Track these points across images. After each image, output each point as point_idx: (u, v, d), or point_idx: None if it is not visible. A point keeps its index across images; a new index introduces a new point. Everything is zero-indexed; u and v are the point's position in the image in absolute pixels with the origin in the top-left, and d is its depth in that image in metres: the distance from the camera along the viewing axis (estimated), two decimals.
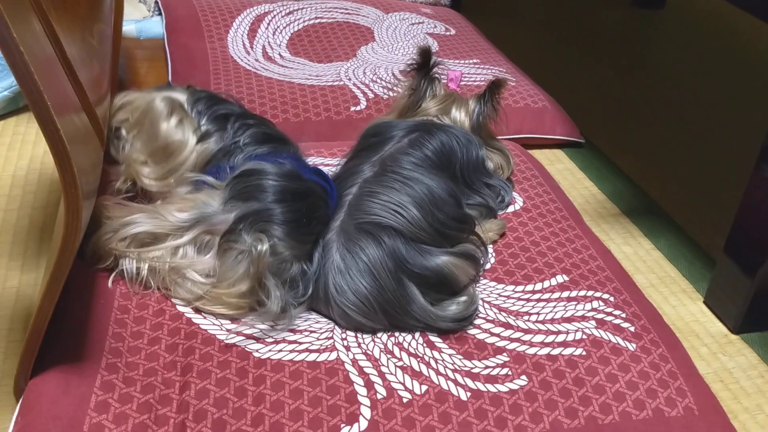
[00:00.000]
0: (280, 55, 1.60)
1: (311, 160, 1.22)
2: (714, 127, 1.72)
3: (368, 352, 0.86)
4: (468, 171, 1.10)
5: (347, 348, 0.86)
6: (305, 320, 0.90)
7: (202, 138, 0.98)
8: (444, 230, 0.96)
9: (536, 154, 1.48)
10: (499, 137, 1.38)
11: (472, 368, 0.85)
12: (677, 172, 1.50)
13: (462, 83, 1.53)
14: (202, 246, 0.86)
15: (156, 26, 1.75)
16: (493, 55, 1.71)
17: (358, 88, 1.48)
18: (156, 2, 1.80)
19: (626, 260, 1.20)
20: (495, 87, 1.17)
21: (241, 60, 1.56)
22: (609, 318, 0.94)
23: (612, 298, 0.98)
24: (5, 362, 0.91)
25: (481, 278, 0.99)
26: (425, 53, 1.17)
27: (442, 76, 1.25)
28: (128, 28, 1.77)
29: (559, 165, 1.46)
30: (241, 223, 0.84)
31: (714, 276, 1.11)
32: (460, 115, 1.18)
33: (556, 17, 2.27)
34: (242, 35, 1.65)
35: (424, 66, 1.18)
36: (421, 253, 0.91)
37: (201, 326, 0.86)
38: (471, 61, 1.65)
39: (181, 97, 1.02)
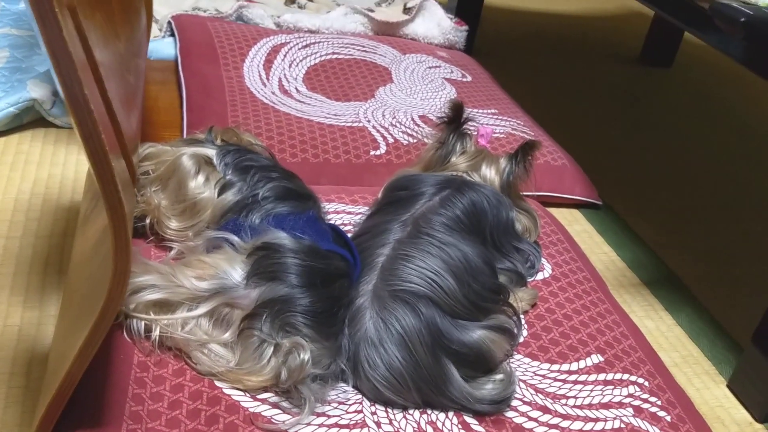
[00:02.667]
0: (296, 89, 1.56)
1: (332, 207, 1.18)
2: (733, 194, 1.71)
3: (400, 431, 0.81)
4: (498, 233, 1.07)
5: (378, 424, 0.81)
6: (332, 389, 0.85)
7: (222, 189, 0.93)
8: (479, 302, 0.91)
9: (554, 212, 1.45)
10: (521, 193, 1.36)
11: None
12: (695, 243, 1.48)
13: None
14: (219, 319, 0.81)
15: (167, 47, 1.69)
16: (510, 106, 1.69)
17: (378, 131, 1.44)
18: (169, 22, 1.75)
19: (649, 335, 1.17)
20: (528, 148, 1.14)
21: (258, 92, 1.51)
22: (645, 405, 0.91)
23: (647, 383, 0.95)
24: (6, 411, 0.84)
25: (515, 353, 0.95)
26: (457, 108, 1.14)
27: (473, 131, 1.22)
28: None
29: (577, 226, 1.44)
30: (266, 310, 0.79)
31: (740, 363, 1.08)
32: (490, 173, 1.15)
33: (565, 70, 2.27)
34: (258, 65, 1.60)
35: (454, 120, 1.15)
36: (458, 328, 0.86)
37: (224, 390, 0.80)
38: (489, 111, 1.62)
39: (209, 152, 0.97)
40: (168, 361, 0.82)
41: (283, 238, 0.85)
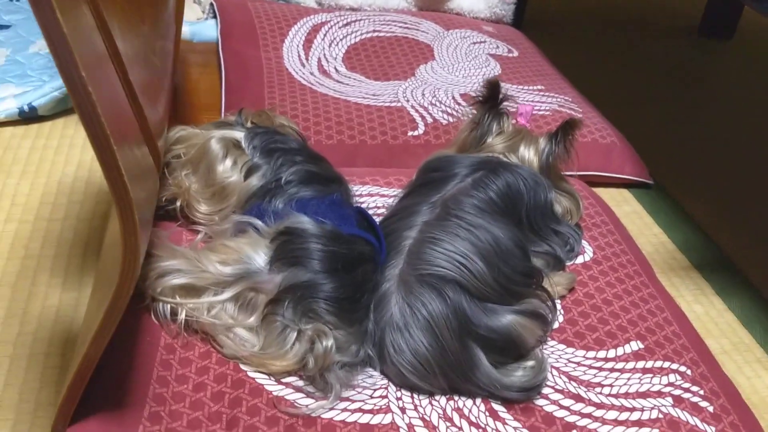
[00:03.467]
0: (335, 69, 1.54)
1: (366, 189, 1.16)
2: None
3: (425, 417, 0.79)
4: (535, 216, 1.03)
5: (402, 410, 0.80)
6: (359, 374, 0.83)
7: (248, 173, 0.92)
8: (510, 286, 0.88)
9: (601, 192, 1.40)
10: (564, 173, 1.31)
11: None
12: (751, 226, 1.41)
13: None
14: (245, 303, 0.80)
15: (210, 30, 1.70)
16: (558, 82, 1.63)
17: (417, 111, 1.41)
18: (211, 4, 1.75)
19: (697, 321, 1.11)
20: (569, 127, 1.09)
21: (296, 73, 1.50)
22: (687, 395, 0.86)
23: (689, 372, 0.90)
24: (41, 391, 0.86)
25: (549, 339, 0.92)
26: (493, 86, 1.10)
27: (513, 110, 1.18)
28: (182, 30, 1.72)
29: (626, 207, 1.38)
30: (288, 295, 0.78)
31: None
32: (528, 154, 1.11)
33: (619, 43, 2.18)
34: (298, 45, 1.59)
35: (490, 99, 1.11)
36: (486, 312, 0.84)
37: (248, 374, 0.80)
38: (535, 88, 1.57)
39: (238, 134, 0.96)
40: (195, 344, 0.82)
41: (305, 222, 0.84)
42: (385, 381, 0.83)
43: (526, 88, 1.56)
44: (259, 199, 0.92)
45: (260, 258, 0.82)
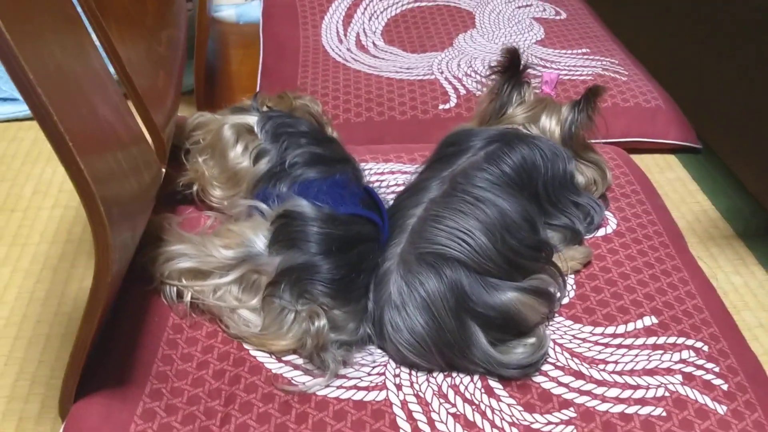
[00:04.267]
0: (373, 43, 1.54)
1: (388, 167, 1.16)
2: None
3: (420, 394, 0.80)
4: (553, 188, 1.00)
5: (398, 387, 0.81)
6: (359, 351, 0.85)
7: (256, 158, 0.95)
8: (516, 259, 0.87)
9: (645, 159, 1.35)
10: (603, 141, 1.26)
11: (532, 423, 0.77)
12: None
13: (566, 77, 1.41)
14: (249, 285, 0.83)
15: (255, 11, 1.73)
16: (606, 44, 1.56)
17: (450, 82, 1.39)
18: None
19: (734, 293, 1.06)
20: (592, 94, 1.05)
21: (333, 50, 1.51)
22: (699, 372, 0.83)
23: (706, 348, 0.86)
24: None
25: (556, 315, 0.90)
26: (512, 55, 1.07)
27: (537, 78, 1.15)
28: (228, 12, 1.77)
29: (669, 174, 1.32)
30: (285, 278, 0.80)
31: None
32: (550, 124, 1.08)
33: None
34: (337, 21, 1.60)
35: (510, 68, 1.08)
36: (487, 288, 0.83)
37: (250, 352, 0.83)
38: (579, 51, 1.51)
39: (251, 119, 0.99)
40: (203, 324, 0.86)
41: (303, 205, 0.86)
42: (385, 358, 0.85)
43: (569, 52, 1.51)
44: (265, 183, 0.95)
45: (261, 241, 0.84)
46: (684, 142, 1.36)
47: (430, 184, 0.94)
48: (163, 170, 0.90)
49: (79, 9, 0.76)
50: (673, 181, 1.30)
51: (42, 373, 0.92)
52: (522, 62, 1.08)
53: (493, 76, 1.10)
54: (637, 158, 1.31)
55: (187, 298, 0.85)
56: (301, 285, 0.81)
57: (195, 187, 1.01)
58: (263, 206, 0.90)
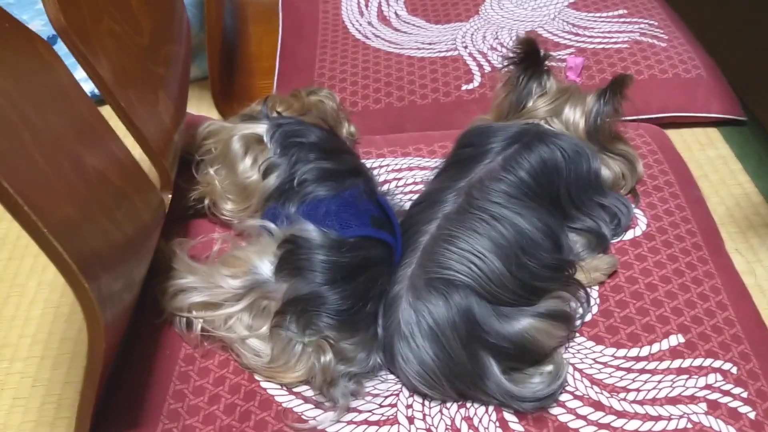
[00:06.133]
0: (396, 13, 1.47)
1: (406, 162, 1.12)
2: None
3: (432, 428, 0.79)
4: (576, 190, 0.95)
5: (410, 420, 0.80)
6: (371, 380, 0.84)
7: (265, 172, 0.92)
8: (533, 283, 0.84)
9: (684, 134, 1.27)
10: (638, 117, 1.19)
11: None
12: None
13: (600, 46, 1.32)
14: (259, 311, 0.82)
15: None
16: (646, 2, 1.45)
17: (474, 59, 1.32)
18: None
19: None
20: (618, 85, 0.98)
21: (353, 25, 1.44)
22: (725, 399, 0.79)
23: (735, 369, 0.82)
24: None
25: (578, 335, 0.86)
26: (529, 44, 1.00)
27: (562, 64, 1.08)
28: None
29: (711, 151, 1.24)
30: (291, 308, 0.78)
31: None
32: (574, 116, 1.01)
33: None
34: None
35: (527, 58, 1.01)
36: (499, 318, 0.80)
37: (261, 384, 0.83)
38: (615, 14, 1.41)
39: (260, 129, 0.96)
40: (215, 352, 0.86)
41: (310, 230, 0.83)
42: (398, 386, 0.83)
43: (603, 15, 1.41)
44: (275, 200, 0.92)
45: (267, 267, 0.83)
46: (727, 115, 1.27)
47: (446, 196, 0.90)
48: (168, 198, 0.88)
49: (61, 45, 0.73)
50: (714, 160, 1.22)
51: (68, 396, 0.94)
52: (541, 51, 1.01)
53: (509, 67, 1.03)
54: (675, 134, 1.24)
55: (198, 329, 0.85)
56: (306, 316, 0.80)
57: (206, 201, 1.00)
58: (272, 226, 0.89)
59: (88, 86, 0.78)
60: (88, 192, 0.66)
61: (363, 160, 1.10)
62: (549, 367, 0.81)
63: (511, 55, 1.01)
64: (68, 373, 0.97)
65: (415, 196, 1.00)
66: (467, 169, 0.93)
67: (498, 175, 0.90)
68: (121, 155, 0.75)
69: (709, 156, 1.23)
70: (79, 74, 0.75)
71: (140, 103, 0.82)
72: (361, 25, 1.44)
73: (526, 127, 0.99)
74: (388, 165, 1.12)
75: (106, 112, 0.80)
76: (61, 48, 0.73)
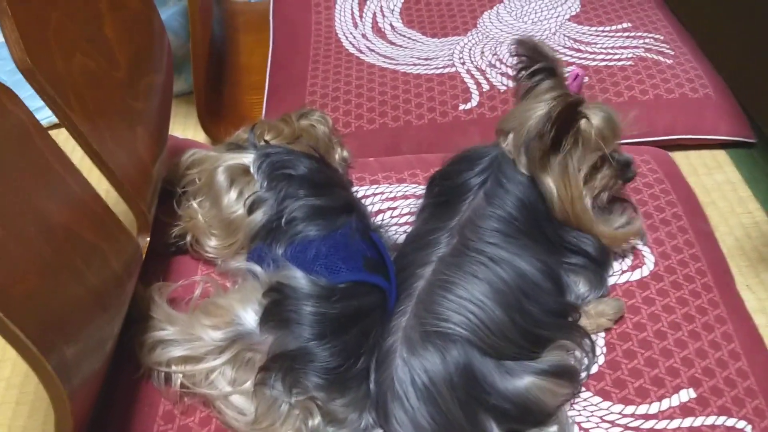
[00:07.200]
0: (391, 25, 1.41)
1: (401, 190, 1.07)
2: None
3: None
4: (554, 225, 0.87)
5: None
6: None
7: (251, 207, 0.87)
8: (536, 331, 0.79)
9: (691, 157, 1.22)
10: (642, 140, 1.14)
11: None
12: None
13: (603, 63, 1.27)
14: (243, 364, 0.77)
15: None
16: (651, 14, 1.40)
17: (472, 76, 1.27)
18: None
19: None
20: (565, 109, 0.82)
21: (347, 37, 1.38)
22: None
23: (749, 428, 0.77)
24: None
25: (583, 389, 0.81)
26: (534, 47, 0.88)
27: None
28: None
29: (718, 175, 1.19)
30: (276, 364, 0.73)
31: None
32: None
33: None
34: (352, 1, 1.46)
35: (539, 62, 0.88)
36: (501, 375, 0.75)
37: None
38: (619, 27, 1.36)
39: (246, 160, 0.90)
40: (196, 408, 0.81)
41: (298, 278, 0.78)
42: None
43: (606, 29, 1.35)
44: (261, 239, 0.87)
45: (250, 317, 0.78)
46: (736, 137, 1.22)
47: (438, 238, 0.85)
48: (146, 242, 0.83)
49: (25, 89, 0.67)
50: (722, 185, 1.17)
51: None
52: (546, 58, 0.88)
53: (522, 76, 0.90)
54: (680, 156, 1.19)
55: (177, 384, 0.79)
56: (293, 375, 0.75)
57: (189, 237, 0.94)
58: (257, 269, 0.84)
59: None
60: (55, 257, 0.60)
61: (356, 188, 1.06)
62: (553, 428, 0.76)
63: (520, 63, 0.90)
64: (45, 421, 0.92)
65: (410, 228, 0.95)
66: (453, 208, 0.87)
67: (485, 211, 0.85)
68: (90, 201, 0.69)
69: (716, 181, 1.18)
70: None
71: (116, 145, 0.77)
72: (355, 37, 1.38)
73: (488, 151, 0.90)
74: (382, 193, 1.06)
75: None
76: None
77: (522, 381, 0.75)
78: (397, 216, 1.03)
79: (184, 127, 1.33)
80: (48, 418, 0.92)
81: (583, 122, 0.84)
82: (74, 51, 0.74)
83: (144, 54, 0.86)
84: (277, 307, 0.77)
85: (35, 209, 0.61)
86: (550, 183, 0.84)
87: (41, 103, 0.68)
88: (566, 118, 0.81)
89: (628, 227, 0.93)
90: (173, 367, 0.79)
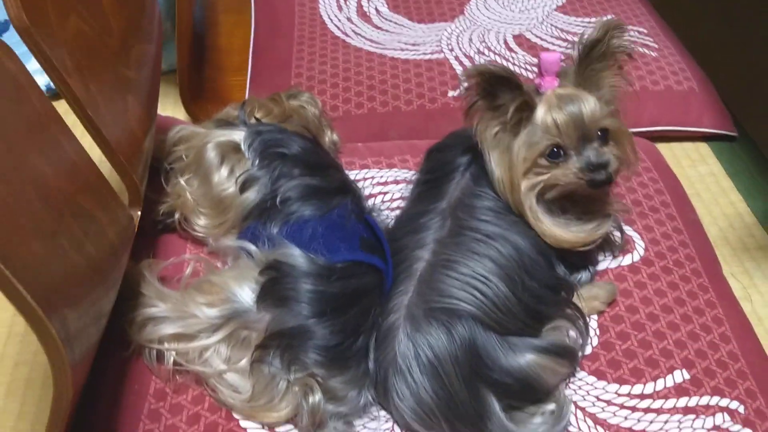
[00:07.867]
0: (376, 9, 1.40)
1: (392, 175, 1.06)
2: None
3: None
4: None
5: None
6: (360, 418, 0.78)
7: (243, 186, 0.85)
8: (536, 306, 0.79)
9: (674, 149, 1.23)
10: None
11: None
12: None
13: None
14: (238, 342, 0.75)
15: None
16: (635, 8, 1.42)
17: (461, 63, 1.26)
18: None
19: None
20: None
21: (332, 20, 1.37)
22: None
23: (742, 408, 0.78)
24: None
25: (578, 369, 0.81)
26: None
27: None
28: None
29: (701, 167, 1.21)
30: (274, 342, 0.72)
31: None
32: None
33: None
34: None
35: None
36: (504, 350, 0.75)
37: (240, 423, 0.76)
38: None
39: (237, 136, 0.88)
40: (188, 386, 0.79)
41: (296, 256, 0.77)
42: (390, 424, 0.77)
43: (591, 21, 1.36)
44: (255, 218, 0.85)
45: (247, 295, 0.76)
46: (718, 130, 1.24)
47: (430, 221, 0.84)
48: (138, 215, 0.80)
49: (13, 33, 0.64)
50: (705, 177, 1.19)
51: (23, 428, 0.86)
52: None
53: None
54: (664, 148, 1.20)
55: (170, 362, 0.77)
56: (292, 352, 0.73)
57: (177, 216, 0.92)
58: (252, 248, 0.81)
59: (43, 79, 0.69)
60: (54, 223, 0.58)
61: (347, 172, 1.04)
62: (551, 406, 0.76)
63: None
64: (23, 402, 0.88)
65: (400, 212, 0.94)
66: (441, 190, 0.86)
67: (473, 191, 0.84)
68: (85, 167, 0.67)
69: (700, 173, 1.19)
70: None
71: (108, 111, 0.74)
72: (340, 21, 1.37)
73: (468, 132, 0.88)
74: (372, 177, 1.05)
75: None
76: (12, 36, 0.64)
77: (524, 358, 0.75)
78: (388, 201, 1.02)
79: (163, 107, 1.30)
80: (26, 399, 0.89)
81: (539, 107, 0.79)
82: (69, 12, 0.71)
83: (136, 21, 0.83)
84: (275, 285, 0.75)
85: (32, 169, 0.58)
86: (495, 158, 0.81)
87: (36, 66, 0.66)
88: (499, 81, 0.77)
89: (580, 234, 0.83)
90: (165, 345, 0.77)
